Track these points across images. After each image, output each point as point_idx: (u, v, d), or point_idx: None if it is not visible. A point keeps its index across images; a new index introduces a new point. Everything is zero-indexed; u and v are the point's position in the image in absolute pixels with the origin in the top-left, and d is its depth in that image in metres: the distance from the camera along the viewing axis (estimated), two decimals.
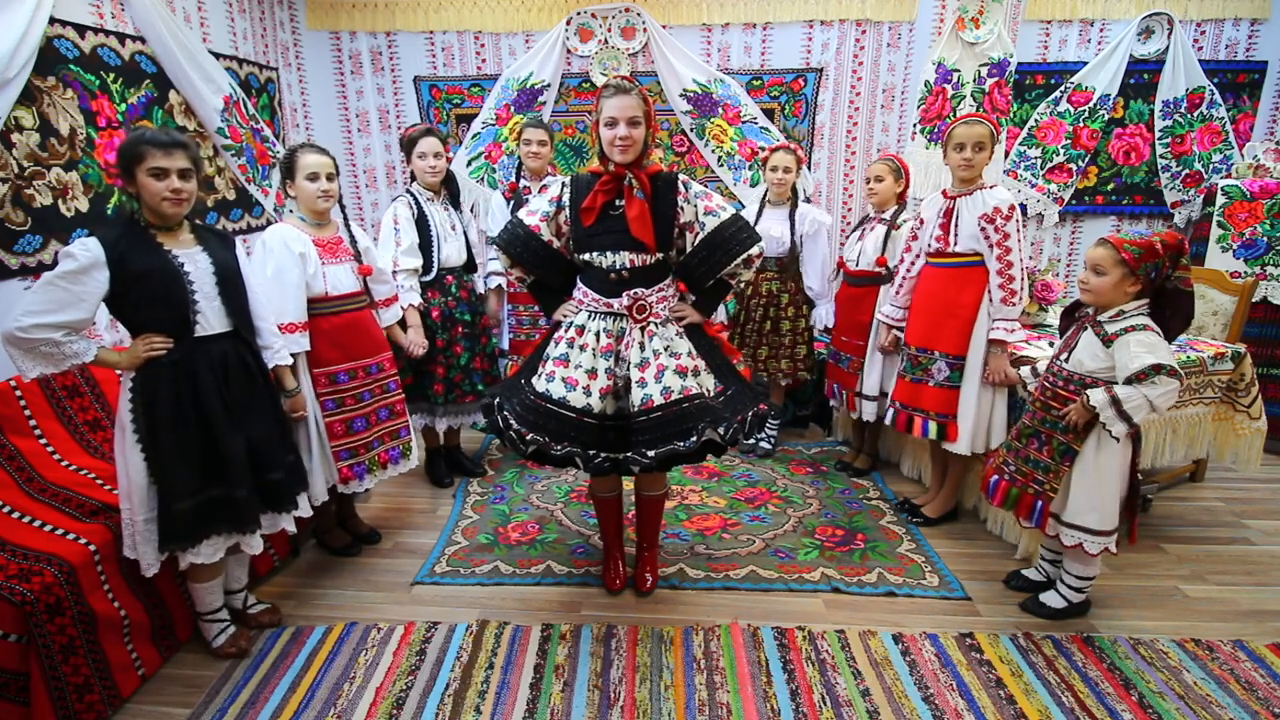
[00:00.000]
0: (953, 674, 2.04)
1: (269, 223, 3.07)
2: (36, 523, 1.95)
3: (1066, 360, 2.13)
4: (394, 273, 2.79)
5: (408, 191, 2.97)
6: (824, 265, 3.29)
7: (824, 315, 3.35)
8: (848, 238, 3.24)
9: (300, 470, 2.23)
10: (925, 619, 2.30)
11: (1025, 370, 2.41)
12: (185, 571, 2.00)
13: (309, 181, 2.31)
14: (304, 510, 2.22)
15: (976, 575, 2.53)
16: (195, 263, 1.88)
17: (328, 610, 2.37)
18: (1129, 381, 1.97)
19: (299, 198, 2.35)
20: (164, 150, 1.78)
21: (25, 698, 1.71)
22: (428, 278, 2.96)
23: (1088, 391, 2.03)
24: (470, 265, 3.13)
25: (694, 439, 1.99)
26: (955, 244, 2.61)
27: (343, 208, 2.52)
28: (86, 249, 1.72)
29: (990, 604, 2.37)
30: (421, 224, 2.92)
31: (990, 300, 2.57)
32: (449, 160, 3.03)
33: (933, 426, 2.70)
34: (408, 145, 2.93)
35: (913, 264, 2.82)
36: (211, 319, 1.91)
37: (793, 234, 3.24)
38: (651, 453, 2.00)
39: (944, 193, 2.66)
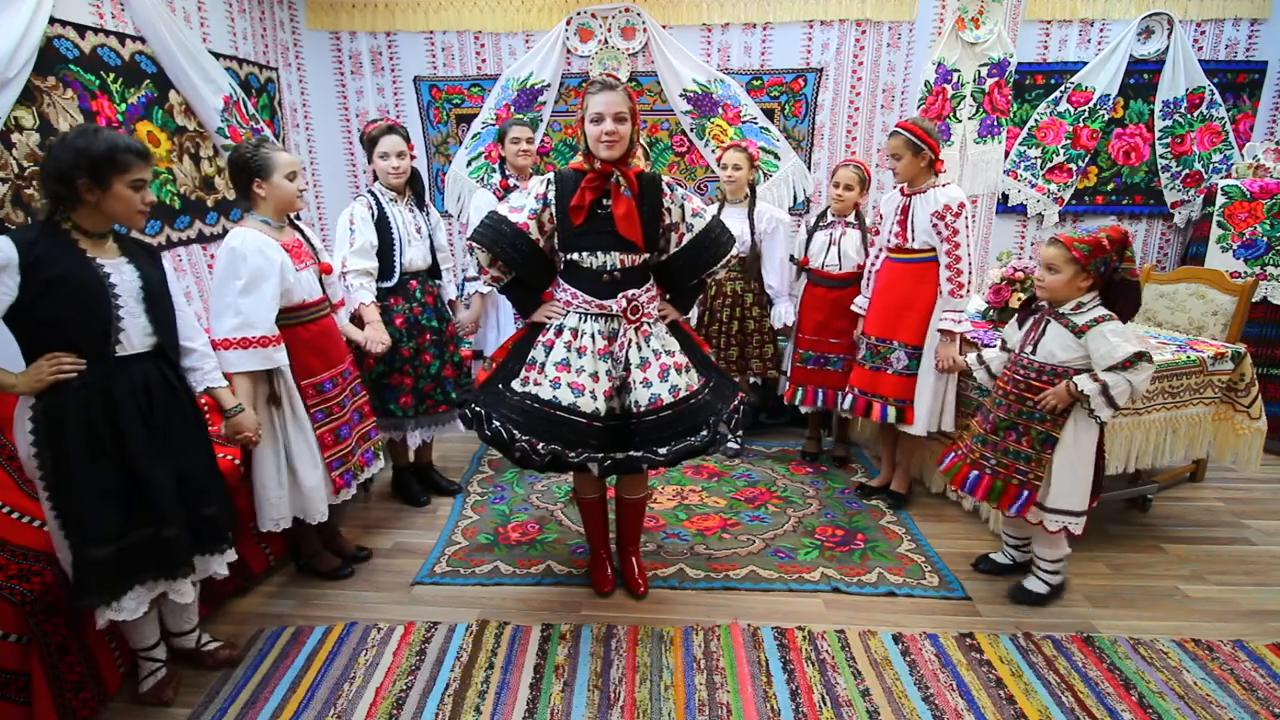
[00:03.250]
0: (953, 674, 2.04)
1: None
2: (36, 523, 1.95)
3: (1034, 353, 2.21)
4: (343, 273, 2.64)
5: (369, 191, 2.80)
6: (783, 263, 3.29)
7: (783, 313, 3.32)
8: (810, 238, 3.25)
9: (232, 505, 2.02)
10: (925, 619, 2.30)
11: (972, 357, 2.51)
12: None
13: (289, 180, 2.18)
14: (231, 555, 1.99)
15: (976, 575, 2.53)
16: (121, 274, 1.69)
17: (328, 610, 2.37)
18: (1112, 369, 2.05)
19: (271, 197, 2.17)
20: (145, 161, 1.66)
21: (25, 697, 1.71)
22: (390, 283, 2.78)
23: (1076, 379, 2.10)
24: (435, 270, 2.98)
25: (705, 433, 2.03)
26: (912, 240, 2.73)
27: None
28: None
29: (990, 604, 2.37)
30: (382, 226, 2.74)
31: (940, 292, 2.68)
32: (413, 159, 2.84)
33: (891, 411, 2.82)
34: (368, 144, 2.76)
35: (876, 258, 2.94)
36: (134, 337, 1.71)
37: (753, 233, 3.25)
38: (663, 450, 2.02)
39: (901, 190, 2.78)
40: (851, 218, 3.16)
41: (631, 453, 2.05)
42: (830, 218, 3.20)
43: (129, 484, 1.70)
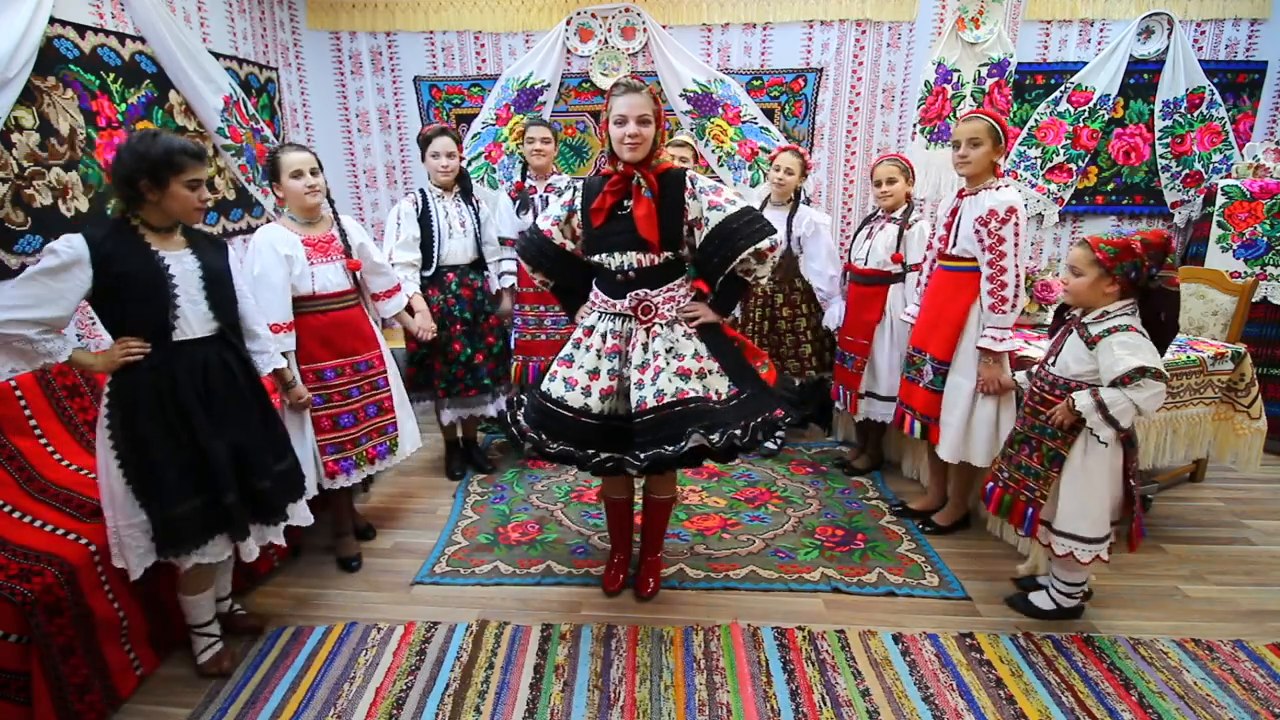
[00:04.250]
0: (953, 674, 2.04)
1: (269, 222, 3.07)
2: (37, 523, 1.95)
3: (1053, 365, 2.12)
4: (392, 265, 2.86)
5: (419, 189, 3.07)
6: (826, 265, 3.27)
7: (834, 315, 3.31)
8: (852, 238, 3.23)
9: (295, 478, 2.15)
10: (925, 619, 2.30)
11: (1020, 375, 2.38)
12: (179, 582, 1.98)
13: (294, 180, 2.33)
14: (301, 519, 2.17)
15: (976, 575, 2.53)
16: (182, 265, 1.85)
17: (328, 610, 2.37)
18: (1114, 384, 1.94)
19: (287, 197, 2.38)
20: (200, 162, 1.82)
21: (26, 697, 1.71)
22: (428, 273, 3.04)
23: (1073, 395, 2.01)
24: (480, 263, 3.18)
25: (682, 444, 1.95)
26: (953, 246, 2.57)
27: (331, 203, 2.49)
28: (70, 245, 1.70)
29: (990, 604, 2.37)
30: (425, 220, 3.01)
31: (980, 306, 2.49)
32: (462, 159, 3.11)
33: (918, 426, 2.73)
34: (422, 143, 3.03)
35: (932, 264, 2.78)
36: (194, 323, 1.86)
37: (789, 236, 3.25)
38: (643, 455, 1.99)
39: (959, 192, 2.60)
40: (899, 213, 3.02)
41: (620, 455, 2.04)
42: (879, 214, 3.12)
43: (195, 455, 1.87)
